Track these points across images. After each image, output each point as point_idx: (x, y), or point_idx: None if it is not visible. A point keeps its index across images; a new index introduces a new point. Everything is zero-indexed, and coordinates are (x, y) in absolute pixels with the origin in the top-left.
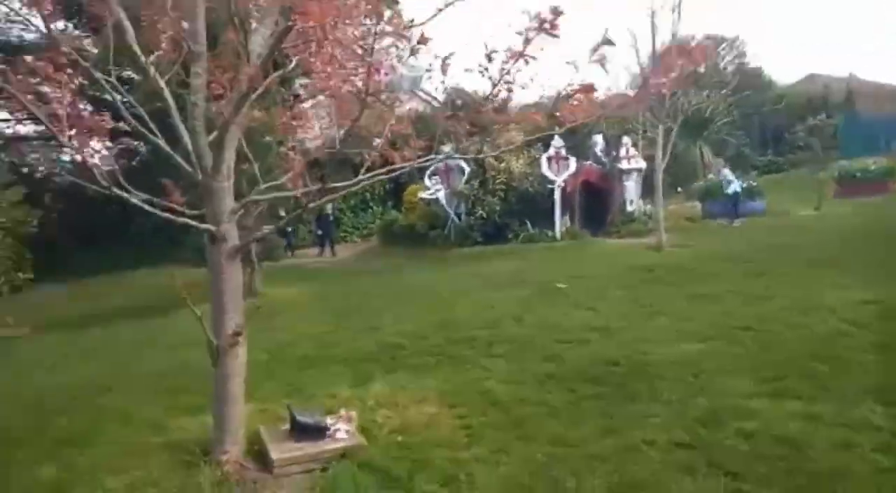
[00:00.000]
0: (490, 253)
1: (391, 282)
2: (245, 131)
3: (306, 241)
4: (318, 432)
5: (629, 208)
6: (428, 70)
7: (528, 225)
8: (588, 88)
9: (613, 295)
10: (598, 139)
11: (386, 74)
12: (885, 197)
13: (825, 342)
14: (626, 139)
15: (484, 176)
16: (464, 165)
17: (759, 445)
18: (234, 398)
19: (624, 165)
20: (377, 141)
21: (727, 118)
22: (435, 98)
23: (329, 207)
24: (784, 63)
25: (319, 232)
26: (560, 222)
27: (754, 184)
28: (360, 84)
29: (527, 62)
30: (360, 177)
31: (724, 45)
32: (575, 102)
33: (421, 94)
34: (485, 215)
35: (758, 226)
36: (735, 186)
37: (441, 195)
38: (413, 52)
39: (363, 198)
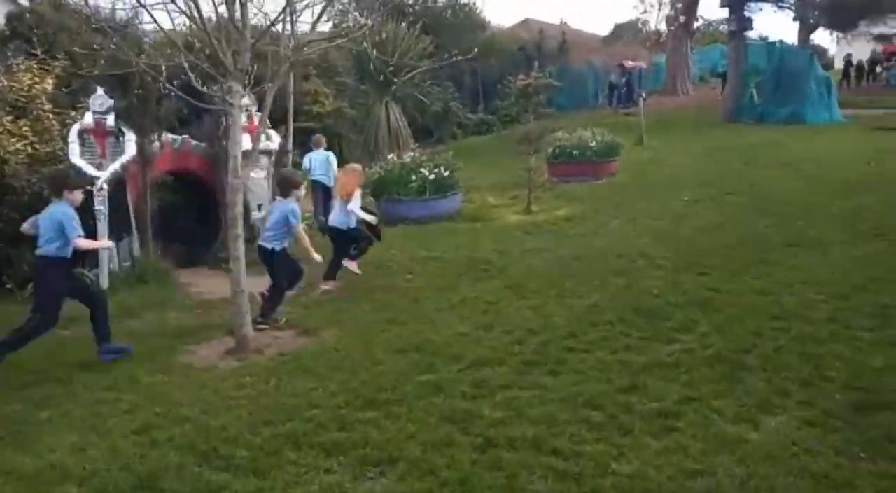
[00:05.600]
0: None
1: None
2: None
3: None
4: None
5: (255, 216)
6: None
7: None
8: None
9: None
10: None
11: None
12: (603, 182)
13: None
14: (245, 100)
15: None
16: None
17: None
18: None
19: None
20: None
21: (425, 65)
22: None
23: None
24: (497, 7)
25: None
26: (108, 258)
27: (445, 173)
28: None
29: None
30: None
31: None
32: None
33: None
34: None
35: (447, 257)
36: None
37: None
38: None
39: None
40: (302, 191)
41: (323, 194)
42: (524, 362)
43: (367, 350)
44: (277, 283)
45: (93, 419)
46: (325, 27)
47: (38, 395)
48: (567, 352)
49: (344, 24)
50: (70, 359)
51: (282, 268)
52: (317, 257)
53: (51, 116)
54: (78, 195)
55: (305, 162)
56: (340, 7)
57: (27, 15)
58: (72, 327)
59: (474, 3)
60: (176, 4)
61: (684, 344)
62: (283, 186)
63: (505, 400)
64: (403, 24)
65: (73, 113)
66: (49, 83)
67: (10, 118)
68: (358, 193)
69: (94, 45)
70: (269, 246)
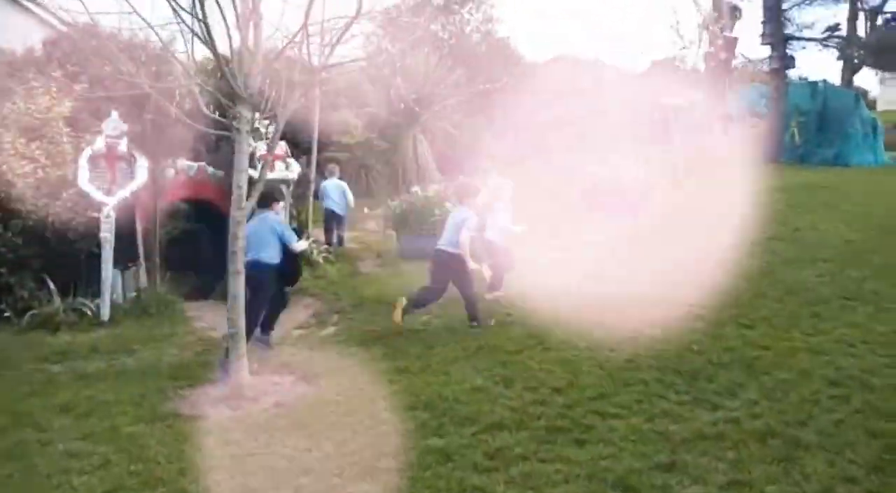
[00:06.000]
0: None
1: None
2: None
3: None
4: None
5: None
6: None
7: (51, 289)
8: None
9: None
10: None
11: None
12: (639, 221)
13: None
14: (263, 128)
15: None
16: None
17: None
18: None
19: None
20: None
21: (454, 97)
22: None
23: None
24: (532, 43)
25: None
26: (110, 287)
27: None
28: None
29: None
30: None
31: (469, 6)
32: None
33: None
34: None
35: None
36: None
37: None
38: None
39: None
40: (479, 199)
41: (335, 222)
42: (547, 428)
43: (370, 406)
44: (467, 295)
45: (59, 476)
46: (357, 53)
47: (10, 442)
48: (596, 416)
49: (370, 49)
50: (54, 399)
51: (457, 273)
52: (474, 266)
53: (65, 139)
54: (280, 205)
55: (320, 190)
56: (373, 40)
57: (61, 41)
58: (63, 362)
59: (508, 38)
60: (186, 24)
61: (729, 412)
62: (460, 193)
63: (522, 475)
64: (428, 51)
65: (88, 137)
66: (66, 106)
67: (23, 140)
68: (500, 204)
69: (106, 68)
70: (451, 250)
